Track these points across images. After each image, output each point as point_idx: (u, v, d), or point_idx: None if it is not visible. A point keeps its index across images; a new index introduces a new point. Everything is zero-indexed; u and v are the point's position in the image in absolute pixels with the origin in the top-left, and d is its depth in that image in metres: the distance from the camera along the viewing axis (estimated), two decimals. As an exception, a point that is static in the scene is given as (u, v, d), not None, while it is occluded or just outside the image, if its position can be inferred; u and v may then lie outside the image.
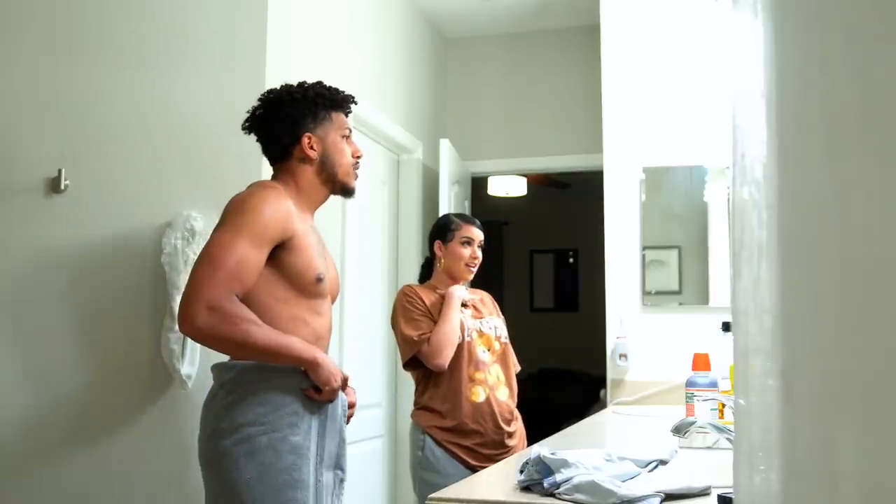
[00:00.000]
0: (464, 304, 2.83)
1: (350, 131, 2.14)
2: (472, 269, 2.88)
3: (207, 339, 1.87)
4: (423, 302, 2.77)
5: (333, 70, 3.17)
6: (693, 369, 2.39)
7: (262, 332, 1.85)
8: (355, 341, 3.32)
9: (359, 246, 3.43)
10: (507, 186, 5.96)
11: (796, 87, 0.58)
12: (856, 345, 0.51)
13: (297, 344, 1.90)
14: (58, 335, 2.52)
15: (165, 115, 2.59)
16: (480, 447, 2.68)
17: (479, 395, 2.72)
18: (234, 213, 1.91)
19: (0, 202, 2.57)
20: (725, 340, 2.59)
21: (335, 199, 3.11)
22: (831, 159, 0.54)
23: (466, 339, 2.76)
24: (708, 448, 1.99)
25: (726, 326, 2.73)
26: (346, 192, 2.15)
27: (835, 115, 0.54)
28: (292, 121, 2.06)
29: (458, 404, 2.69)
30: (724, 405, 2.24)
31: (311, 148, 2.06)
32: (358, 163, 2.15)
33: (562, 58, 4.49)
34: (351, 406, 2.12)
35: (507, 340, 2.91)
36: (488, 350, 2.82)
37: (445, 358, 2.69)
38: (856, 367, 0.51)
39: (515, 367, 2.95)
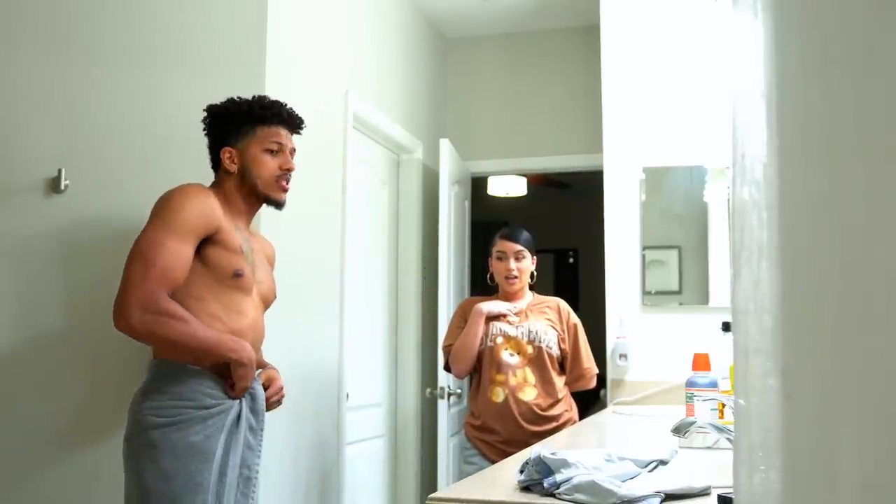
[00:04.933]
0: (500, 316, 2.99)
1: (279, 145, 2.19)
2: (511, 281, 3.03)
3: (142, 336, 1.95)
4: (466, 315, 3.03)
5: (333, 70, 3.17)
6: (693, 369, 2.39)
7: (196, 330, 1.92)
8: (355, 341, 3.32)
9: (359, 246, 3.43)
10: (507, 186, 5.95)
11: (796, 87, 0.58)
12: (856, 345, 0.51)
13: (228, 342, 1.97)
14: (57, 335, 2.52)
15: (165, 114, 2.59)
16: (502, 444, 2.83)
17: (498, 395, 2.90)
18: (162, 210, 2.00)
19: (0, 202, 2.57)
20: (725, 340, 2.59)
21: (335, 199, 3.13)
22: (831, 159, 0.54)
23: (489, 344, 2.95)
24: (708, 448, 2.00)
25: (726, 326, 2.73)
26: (272, 203, 2.21)
27: (835, 114, 0.54)
28: (217, 134, 2.20)
29: (483, 404, 2.93)
30: (724, 405, 2.24)
31: (232, 161, 2.16)
32: (287, 175, 2.19)
33: (561, 58, 4.49)
34: (278, 390, 2.21)
35: (552, 345, 2.96)
36: (517, 353, 2.94)
37: (458, 368, 2.98)
38: (856, 367, 0.51)
39: (586, 371, 3.02)
